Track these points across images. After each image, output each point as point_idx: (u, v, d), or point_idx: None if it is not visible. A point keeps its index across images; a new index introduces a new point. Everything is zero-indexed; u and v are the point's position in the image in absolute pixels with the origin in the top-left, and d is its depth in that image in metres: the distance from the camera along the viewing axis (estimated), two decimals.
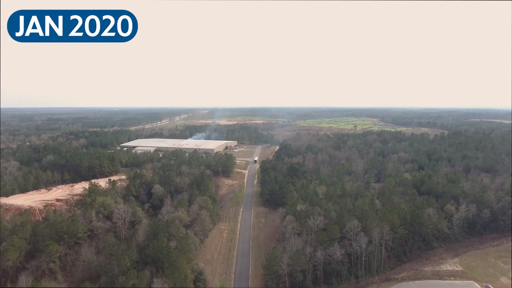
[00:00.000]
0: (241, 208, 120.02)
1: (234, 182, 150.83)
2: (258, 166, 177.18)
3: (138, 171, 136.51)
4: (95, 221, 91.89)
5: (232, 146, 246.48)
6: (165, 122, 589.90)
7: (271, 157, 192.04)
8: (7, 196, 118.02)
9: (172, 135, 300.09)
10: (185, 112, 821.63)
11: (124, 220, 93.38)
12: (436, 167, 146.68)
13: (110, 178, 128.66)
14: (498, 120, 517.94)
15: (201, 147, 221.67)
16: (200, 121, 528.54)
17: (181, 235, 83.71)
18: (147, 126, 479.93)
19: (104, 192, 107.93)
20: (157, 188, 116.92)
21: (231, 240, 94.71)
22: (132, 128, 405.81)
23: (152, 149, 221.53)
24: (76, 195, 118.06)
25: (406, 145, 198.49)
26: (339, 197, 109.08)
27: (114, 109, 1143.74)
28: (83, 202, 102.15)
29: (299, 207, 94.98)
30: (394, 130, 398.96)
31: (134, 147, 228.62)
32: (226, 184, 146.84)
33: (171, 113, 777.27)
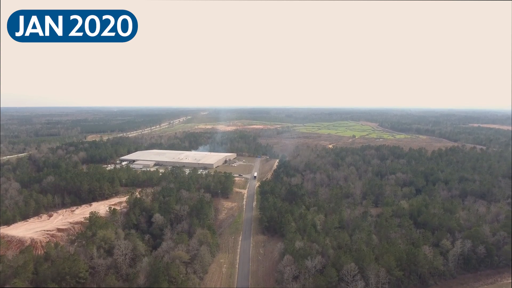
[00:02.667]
0: (240, 237, 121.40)
1: (233, 204, 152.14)
2: (257, 185, 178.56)
3: (138, 196, 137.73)
4: (96, 258, 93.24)
5: (231, 159, 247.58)
6: (164, 125, 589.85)
7: (270, 176, 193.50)
8: (8, 224, 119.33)
9: (171, 145, 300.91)
10: (185, 114, 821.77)
11: (125, 256, 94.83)
12: (433, 191, 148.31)
13: (110, 205, 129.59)
14: (497, 126, 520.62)
15: (200, 162, 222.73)
16: (200, 126, 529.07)
17: (182, 275, 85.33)
18: (146, 131, 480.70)
19: (105, 224, 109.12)
20: (158, 217, 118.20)
21: (230, 276, 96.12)
22: (131, 135, 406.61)
23: (151, 163, 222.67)
24: (77, 223, 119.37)
25: (404, 163, 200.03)
26: (336, 229, 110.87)
27: (113, 110, 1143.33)
28: (84, 235, 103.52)
29: (297, 244, 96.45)
30: (392, 137, 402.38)
31: (134, 161, 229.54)
32: (225, 207, 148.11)
33: (171, 115, 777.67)
